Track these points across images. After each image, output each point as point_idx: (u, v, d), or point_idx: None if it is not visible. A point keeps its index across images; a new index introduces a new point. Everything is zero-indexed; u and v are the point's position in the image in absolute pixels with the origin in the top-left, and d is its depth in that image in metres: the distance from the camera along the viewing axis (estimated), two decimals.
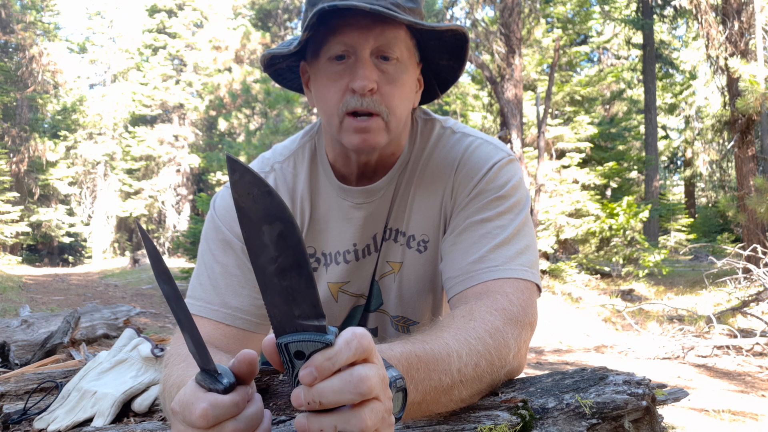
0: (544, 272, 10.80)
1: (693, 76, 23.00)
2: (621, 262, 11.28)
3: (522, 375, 1.07)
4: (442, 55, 1.11)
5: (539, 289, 1.04)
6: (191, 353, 0.63)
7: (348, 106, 1.00)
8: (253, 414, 0.64)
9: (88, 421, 1.19)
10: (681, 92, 23.62)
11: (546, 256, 11.72)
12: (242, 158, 11.44)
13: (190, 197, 27.72)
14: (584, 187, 13.02)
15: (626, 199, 11.02)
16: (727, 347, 5.95)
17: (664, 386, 1.88)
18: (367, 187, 1.14)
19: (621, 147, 15.01)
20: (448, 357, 0.80)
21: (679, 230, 19.83)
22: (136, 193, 28.21)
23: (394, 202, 1.16)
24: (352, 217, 1.15)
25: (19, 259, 22.30)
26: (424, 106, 1.25)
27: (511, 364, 0.94)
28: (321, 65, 1.03)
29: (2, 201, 21.29)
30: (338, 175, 1.16)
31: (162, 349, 1.33)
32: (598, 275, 11.53)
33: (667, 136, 25.61)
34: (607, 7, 16.08)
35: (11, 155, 23.64)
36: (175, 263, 19.34)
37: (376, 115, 1.00)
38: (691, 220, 21.02)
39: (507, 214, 1.07)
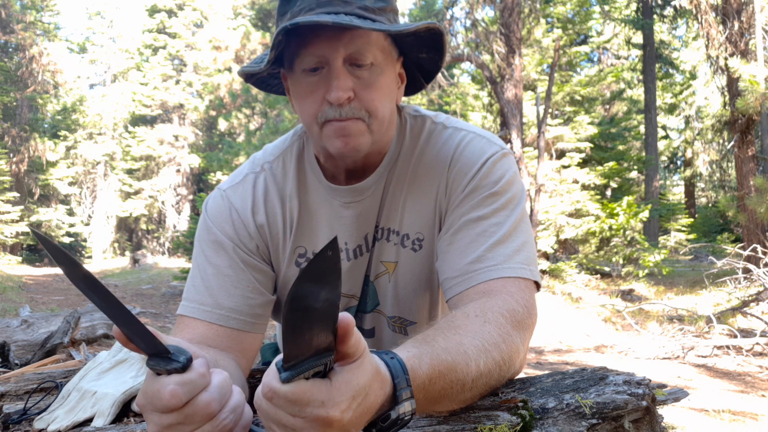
0: (544, 272, 10.80)
1: (693, 76, 23.00)
2: (621, 262, 11.28)
3: (522, 375, 1.07)
4: (421, 49, 1.11)
5: (538, 286, 1.04)
6: (136, 343, 0.62)
7: (326, 117, 1.00)
8: (221, 381, 0.66)
9: (88, 421, 1.19)
10: (681, 92, 23.62)
11: (546, 256, 11.71)
12: (242, 158, 11.43)
13: (190, 197, 27.72)
14: (584, 187, 13.01)
15: (626, 199, 11.02)
16: (727, 347, 5.95)
17: (664, 386, 1.88)
18: (354, 185, 1.13)
19: (621, 147, 14.99)
20: (466, 367, 0.79)
21: (679, 230, 19.82)
22: (136, 193, 28.20)
23: (384, 201, 1.15)
24: (342, 217, 1.14)
25: (19, 259, 22.28)
26: (416, 105, 1.24)
27: (515, 367, 0.94)
28: (297, 77, 1.03)
29: (2, 201, 21.28)
30: (327, 174, 1.15)
31: None
32: (598, 275, 11.53)
33: (667, 136, 25.60)
34: (607, 7, 16.08)
35: (11, 155, 23.63)
36: (175, 263, 19.34)
37: (357, 118, 1.00)
38: (691, 220, 21.01)
39: (503, 211, 1.06)
